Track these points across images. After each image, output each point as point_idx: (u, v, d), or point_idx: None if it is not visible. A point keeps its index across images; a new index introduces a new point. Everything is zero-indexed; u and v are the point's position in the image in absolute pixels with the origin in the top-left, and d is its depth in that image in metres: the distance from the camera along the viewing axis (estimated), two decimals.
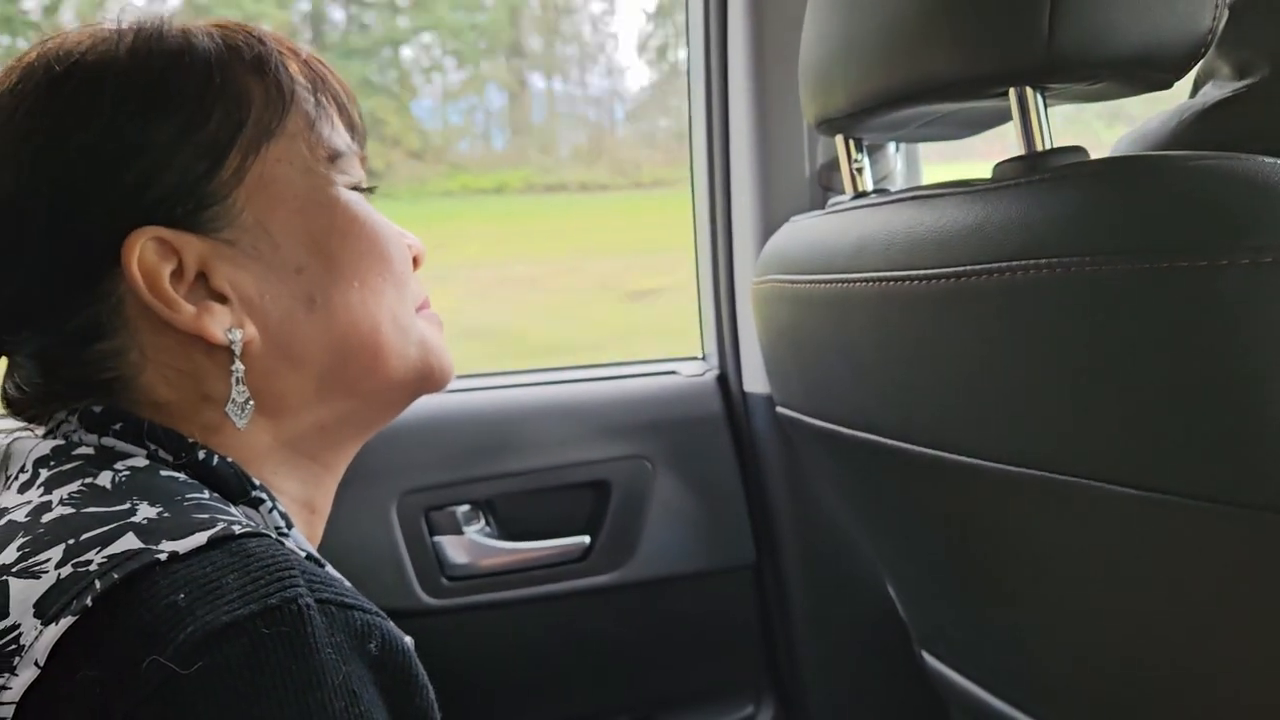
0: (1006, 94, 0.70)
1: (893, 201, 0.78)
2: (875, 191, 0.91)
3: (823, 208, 1.19)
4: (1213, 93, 0.80)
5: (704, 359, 1.39)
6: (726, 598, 1.32)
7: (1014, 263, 0.64)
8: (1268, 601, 0.63)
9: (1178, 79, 0.71)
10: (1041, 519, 0.72)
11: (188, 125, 0.56)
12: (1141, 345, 0.59)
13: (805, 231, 0.90)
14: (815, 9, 0.85)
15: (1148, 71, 0.67)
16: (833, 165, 1.20)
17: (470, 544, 1.23)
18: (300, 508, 0.64)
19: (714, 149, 1.27)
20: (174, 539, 0.46)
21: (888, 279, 0.74)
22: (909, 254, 0.72)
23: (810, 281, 0.84)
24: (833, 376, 0.85)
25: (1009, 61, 0.67)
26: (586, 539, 1.26)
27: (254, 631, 0.42)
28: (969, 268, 0.67)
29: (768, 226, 1.21)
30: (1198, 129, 0.78)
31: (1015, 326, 0.65)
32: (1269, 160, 0.57)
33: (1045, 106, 0.69)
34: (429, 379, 0.65)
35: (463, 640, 1.22)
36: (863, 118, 0.81)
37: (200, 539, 0.46)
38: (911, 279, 0.71)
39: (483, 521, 1.25)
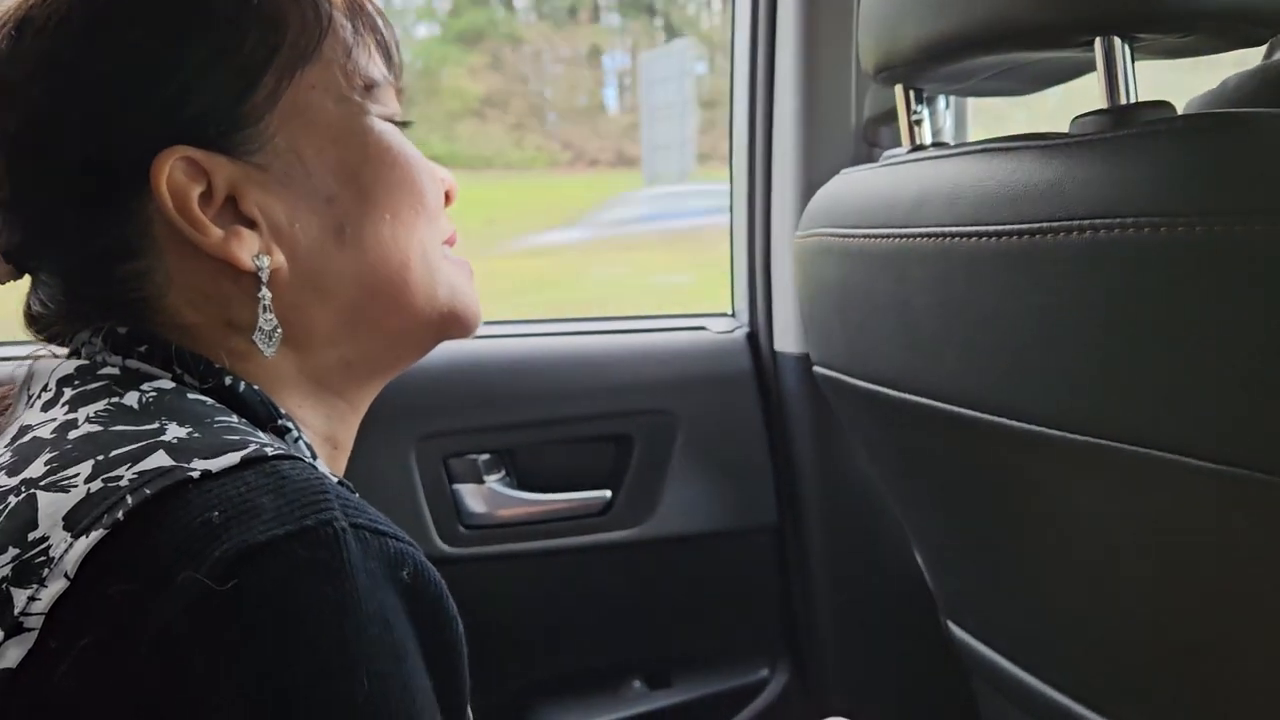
0: (1090, 44, 0.66)
1: (959, 154, 0.74)
2: (933, 145, 0.87)
3: (868, 163, 1.16)
4: None
5: (734, 315, 1.36)
6: (747, 559, 1.30)
7: (1096, 220, 0.60)
8: None
9: (1272, 35, 0.67)
10: (1098, 490, 0.69)
11: (223, 45, 0.55)
12: (1233, 312, 0.55)
13: (858, 184, 0.87)
14: None
15: (1246, 25, 0.64)
16: (879, 119, 1.16)
17: (489, 493, 1.20)
18: (323, 442, 0.63)
19: (756, 100, 1.23)
20: (206, 458, 0.46)
21: (952, 234, 0.70)
22: (977, 209, 0.69)
23: (864, 235, 0.81)
24: (882, 335, 0.82)
25: (1103, 7, 0.63)
26: (607, 493, 1.23)
27: (289, 553, 0.42)
28: (1045, 224, 0.63)
29: (810, 181, 1.17)
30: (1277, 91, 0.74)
31: (1093, 289, 0.61)
32: None
33: (1133, 59, 0.65)
34: (456, 322, 0.64)
35: (478, 590, 1.20)
36: (930, 66, 0.77)
37: (233, 458, 0.46)
38: (979, 235, 0.68)
39: (503, 471, 1.22)
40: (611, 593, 1.25)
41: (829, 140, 1.17)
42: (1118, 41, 0.65)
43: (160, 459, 0.46)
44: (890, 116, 1.16)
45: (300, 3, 0.58)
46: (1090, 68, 0.80)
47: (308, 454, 0.58)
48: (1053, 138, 0.68)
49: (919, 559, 1.16)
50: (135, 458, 0.46)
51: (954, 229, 0.70)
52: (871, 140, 1.16)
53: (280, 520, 0.42)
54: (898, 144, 1.16)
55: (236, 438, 0.48)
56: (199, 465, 0.45)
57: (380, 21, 0.62)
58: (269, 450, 0.47)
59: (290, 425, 0.57)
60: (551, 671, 1.25)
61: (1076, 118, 0.68)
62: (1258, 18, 0.63)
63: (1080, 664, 0.87)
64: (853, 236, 0.83)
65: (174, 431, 0.49)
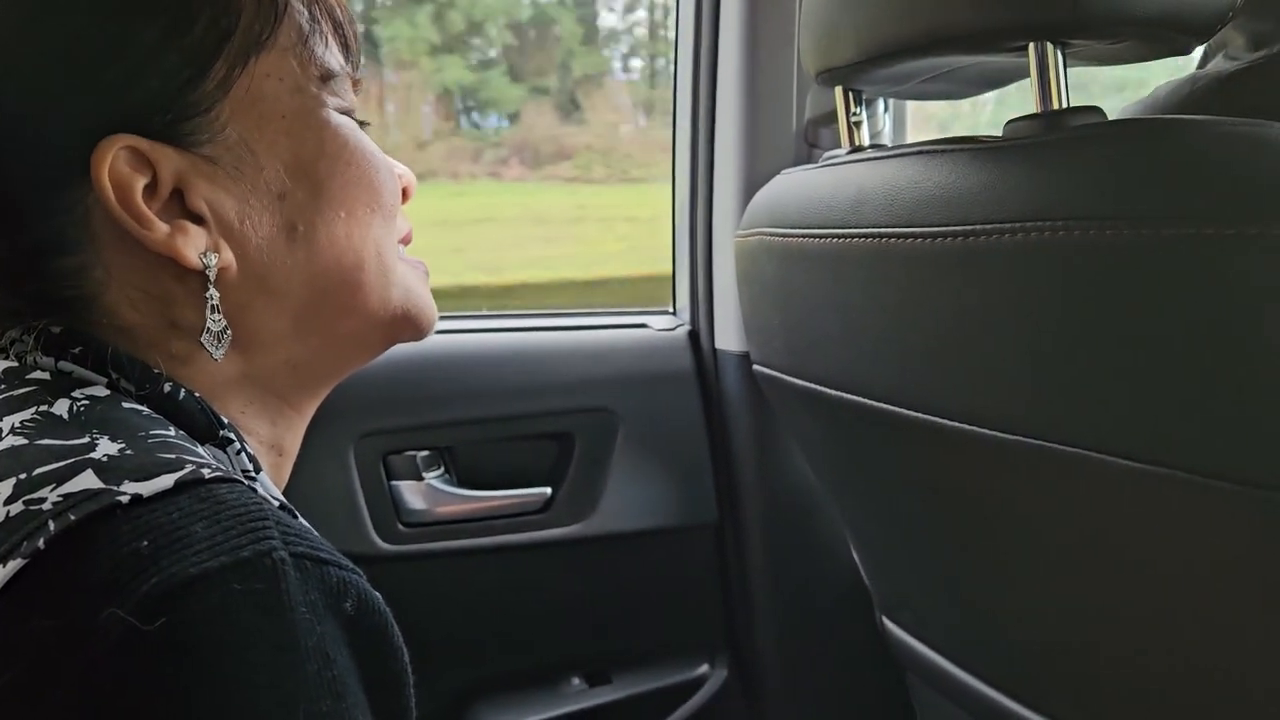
0: (1024, 49, 0.68)
1: (896, 156, 0.75)
2: (872, 147, 0.88)
3: (808, 163, 1.17)
4: (1224, 64, 0.78)
5: (675, 313, 1.37)
6: (686, 556, 1.31)
7: (1027, 223, 0.62)
8: (1256, 588, 0.62)
9: (1200, 44, 0.69)
10: (1032, 490, 0.71)
11: (171, 28, 0.52)
12: (1157, 314, 0.57)
13: (798, 184, 0.87)
14: None
15: (1172, 34, 0.65)
16: (820, 121, 1.17)
17: (429, 490, 1.19)
18: (268, 450, 0.61)
19: (699, 99, 1.23)
20: (137, 480, 0.43)
21: (889, 235, 0.71)
22: (913, 210, 0.69)
23: (803, 235, 0.81)
24: (821, 334, 0.83)
25: (1034, 14, 0.64)
26: (548, 491, 1.23)
27: (224, 586, 0.39)
28: (978, 227, 0.64)
29: (751, 180, 1.18)
30: (1211, 98, 0.76)
31: (1024, 289, 0.62)
32: None
33: (1065, 65, 0.67)
34: (410, 325, 0.62)
35: (416, 589, 1.19)
36: (869, 68, 0.78)
37: (167, 481, 0.43)
38: (915, 236, 0.69)
39: (442, 468, 1.21)
40: (552, 590, 1.25)
41: (770, 141, 1.18)
42: (1050, 47, 0.66)
43: (88, 480, 0.43)
44: (831, 118, 1.17)
45: None
46: (1017, 74, 0.81)
47: (250, 466, 0.55)
48: (987, 141, 0.69)
49: (856, 556, 1.18)
50: (61, 477, 0.43)
51: (891, 230, 0.71)
52: (812, 141, 1.17)
53: (214, 550, 0.40)
54: (838, 145, 1.17)
55: (172, 456, 0.46)
56: (129, 488, 0.42)
57: (338, 9, 0.60)
58: (205, 472, 0.44)
59: (233, 436, 0.55)
60: (491, 669, 1.24)
61: (1009, 122, 0.69)
62: (1185, 27, 0.65)
63: (1013, 660, 0.89)
64: (792, 236, 0.83)
65: (105, 448, 0.45)
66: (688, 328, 1.32)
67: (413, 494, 1.19)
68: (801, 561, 1.29)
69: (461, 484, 1.21)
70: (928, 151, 0.72)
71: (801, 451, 1.06)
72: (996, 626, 0.89)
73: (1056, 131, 0.65)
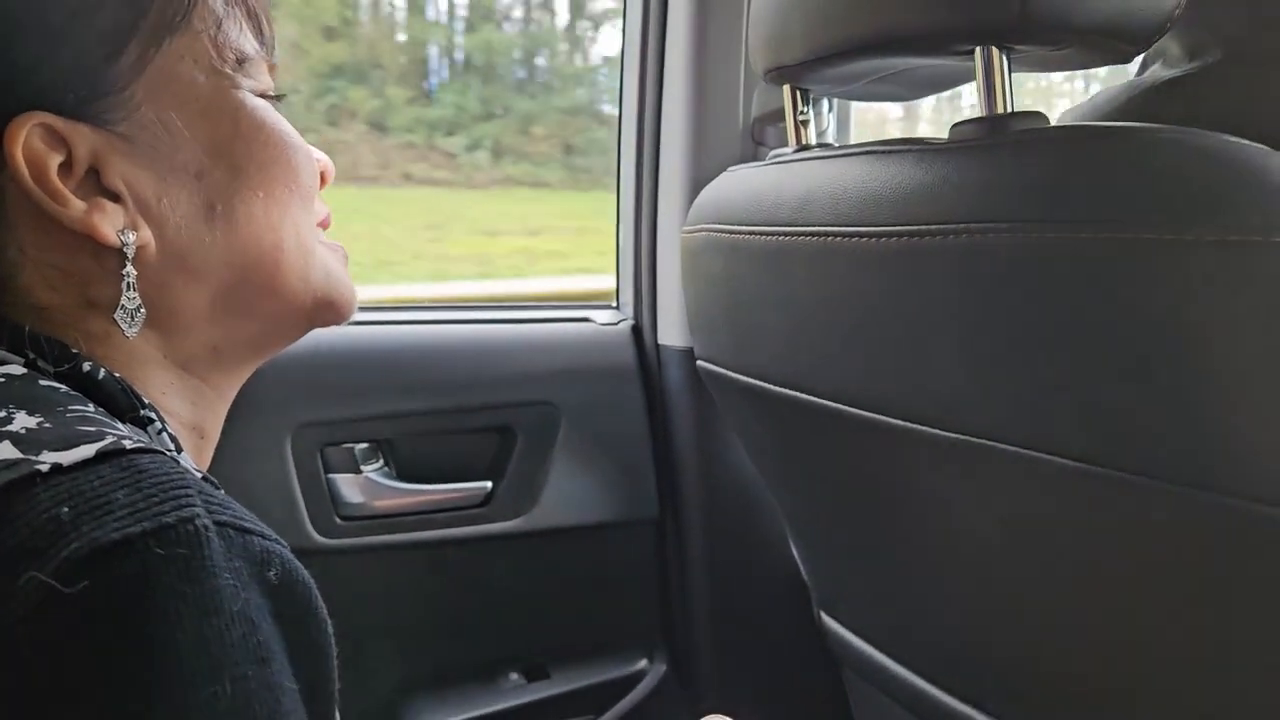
0: (970, 53, 0.69)
1: (843, 155, 0.75)
2: (818, 146, 0.89)
3: (754, 161, 1.17)
4: (1162, 72, 0.80)
5: (618, 308, 1.36)
6: (627, 551, 1.31)
7: (971, 224, 0.62)
8: (1187, 586, 0.63)
9: (1140, 52, 0.70)
10: (970, 486, 0.72)
11: (85, 7, 0.52)
12: (1097, 316, 0.58)
13: (744, 181, 0.88)
14: None
15: (1114, 42, 0.67)
16: (766, 119, 1.18)
17: (367, 483, 1.18)
18: (189, 431, 0.60)
19: (645, 95, 1.23)
20: (56, 450, 0.43)
21: (835, 234, 0.72)
22: (859, 209, 0.70)
23: (749, 232, 0.82)
24: (765, 331, 0.83)
25: (981, 19, 0.65)
26: (488, 485, 1.22)
27: (146, 551, 0.39)
28: (923, 227, 0.65)
29: (697, 177, 1.18)
30: (1149, 105, 0.78)
31: (967, 290, 0.63)
32: (1236, 140, 0.56)
33: (1010, 69, 0.68)
34: (330, 308, 0.62)
35: (353, 583, 1.17)
36: (817, 68, 0.79)
37: (87, 451, 0.43)
38: (860, 235, 0.69)
39: (381, 461, 1.20)
40: (491, 585, 1.24)
41: (717, 137, 1.18)
42: (995, 52, 0.67)
43: (5, 450, 0.43)
44: (777, 116, 1.17)
45: None
46: (963, 77, 0.83)
47: (171, 446, 0.55)
48: (933, 143, 0.70)
49: (795, 552, 1.18)
50: None
51: (837, 229, 0.72)
52: (758, 139, 1.18)
53: (136, 517, 0.40)
54: (784, 143, 1.18)
55: (92, 429, 0.45)
56: (48, 458, 0.42)
57: None
58: (127, 443, 0.44)
59: (153, 415, 0.54)
60: (428, 665, 1.23)
61: (955, 125, 0.70)
62: (1125, 36, 0.66)
63: (950, 657, 0.90)
64: (739, 233, 0.84)
65: (22, 421, 0.45)
66: (630, 322, 1.32)
67: (350, 487, 1.17)
68: (741, 557, 1.29)
69: (401, 477, 1.20)
70: (874, 152, 0.72)
71: (744, 447, 1.07)
72: (933, 624, 0.90)
73: (1000, 135, 0.66)
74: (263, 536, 0.43)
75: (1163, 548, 0.62)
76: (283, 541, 0.44)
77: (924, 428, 0.71)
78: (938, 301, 0.66)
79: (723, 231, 0.87)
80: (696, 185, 1.18)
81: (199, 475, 0.46)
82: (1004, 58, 0.67)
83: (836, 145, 0.88)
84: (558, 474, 1.24)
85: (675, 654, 1.33)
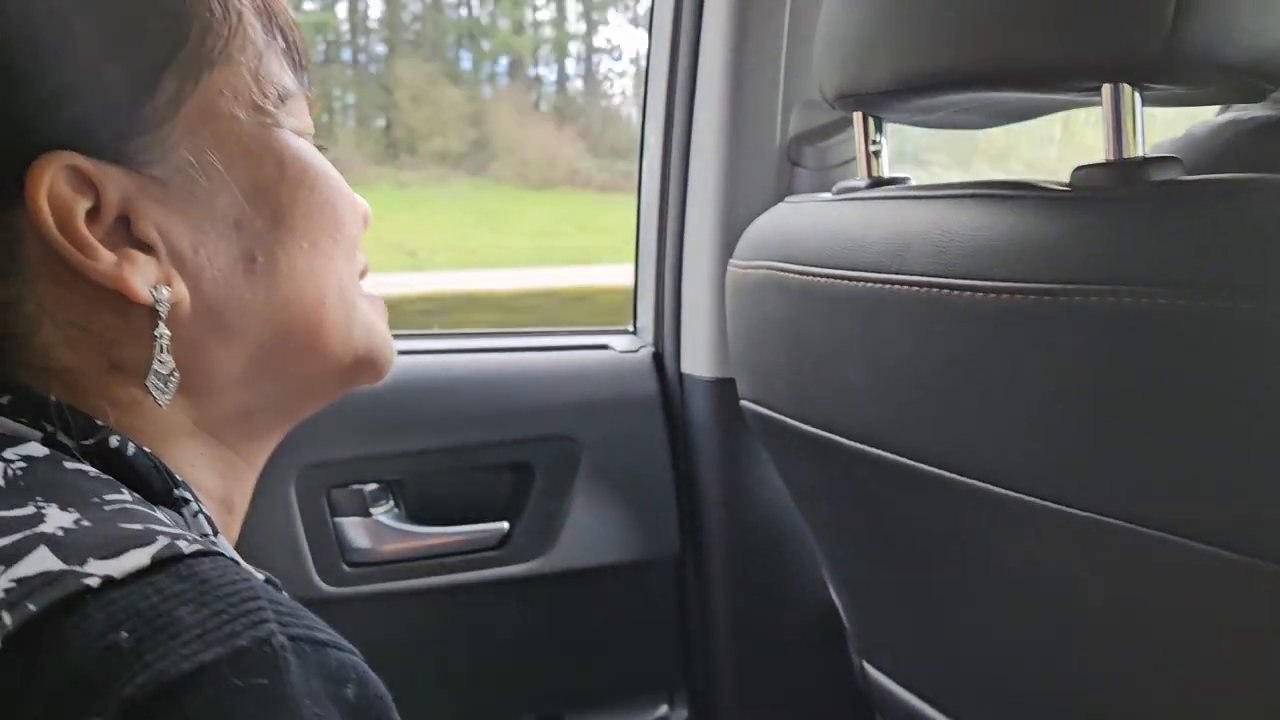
0: (1095, 89, 0.62)
1: (945, 196, 0.69)
2: (889, 181, 0.82)
3: (789, 183, 1.11)
4: (1264, 110, 0.74)
5: (635, 333, 1.29)
6: (647, 592, 1.24)
7: (1105, 287, 0.56)
8: (1251, 654, 0.58)
9: (1275, 89, 0.64)
10: (1062, 556, 0.66)
11: (119, 37, 0.47)
12: (1253, 394, 0.52)
13: (813, 217, 0.81)
14: None
15: (1254, 80, 0.61)
16: (804, 139, 1.11)
17: (376, 527, 1.09)
18: (219, 506, 0.55)
19: (674, 109, 1.16)
20: (104, 557, 0.37)
21: (940, 285, 0.65)
22: (972, 260, 0.64)
23: (828, 276, 0.75)
24: (842, 383, 0.76)
25: (1121, 54, 0.59)
26: (505, 525, 1.14)
27: (221, 682, 0.35)
28: (1052, 286, 0.59)
29: (730, 199, 1.11)
30: (1257, 146, 0.72)
31: (1100, 357, 0.57)
32: None
33: (1142, 109, 0.62)
34: (370, 367, 0.57)
35: (363, 633, 1.08)
36: (906, 97, 0.72)
37: (140, 558, 0.38)
38: (973, 289, 0.63)
39: (391, 502, 1.12)
40: (506, 630, 1.17)
41: (751, 157, 1.11)
42: (1129, 90, 0.61)
43: (44, 559, 0.37)
44: (815, 136, 1.11)
45: None
46: (1062, 106, 0.76)
47: (209, 529, 0.50)
48: (1052, 189, 0.63)
49: (835, 597, 1.12)
50: (10, 557, 0.37)
51: (943, 280, 0.65)
52: (795, 159, 1.11)
53: (206, 640, 0.35)
54: (821, 163, 1.12)
55: (138, 527, 0.40)
56: (96, 569, 0.36)
57: (291, 28, 0.55)
58: (183, 545, 0.39)
59: (189, 496, 0.49)
60: (441, 716, 1.15)
61: (1078, 169, 0.63)
62: (1267, 73, 0.60)
63: (1003, 714, 0.85)
64: (812, 275, 0.77)
65: (57, 520, 0.39)
66: (651, 349, 1.25)
67: (359, 531, 1.09)
68: (767, 599, 1.23)
69: (412, 519, 1.12)
70: (985, 195, 0.66)
71: (791, 493, 1.00)
72: (986, 678, 0.85)
73: (1134, 185, 0.60)
74: (337, 648, 0.39)
75: (1247, 625, 0.57)
76: (355, 650, 0.40)
77: (1017, 494, 0.65)
78: (1065, 368, 0.59)
79: (790, 271, 0.80)
80: (729, 207, 1.11)
81: (262, 578, 0.42)
82: (1137, 96, 0.61)
83: (920, 183, 0.81)
84: (577, 512, 1.17)
85: (696, 699, 1.26)
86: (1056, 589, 0.68)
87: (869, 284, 0.71)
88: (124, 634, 0.35)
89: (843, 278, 0.73)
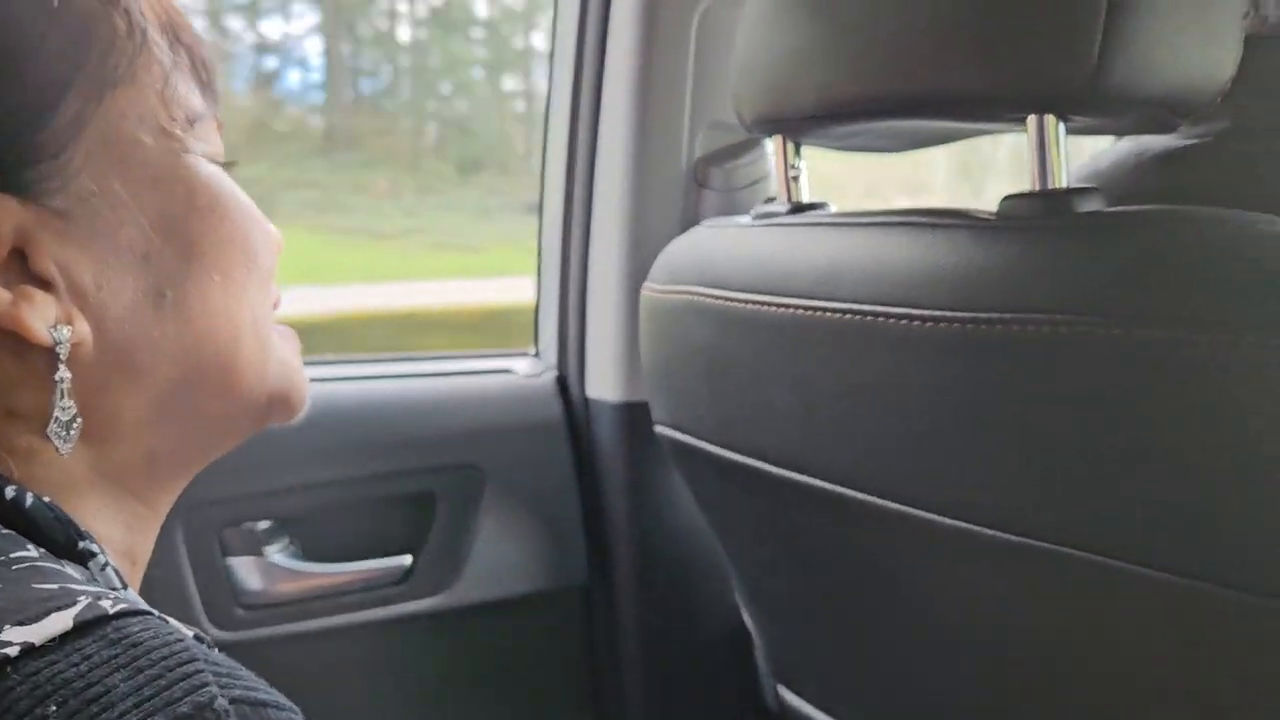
0: (1022, 119, 0.63)
1: (873, 224, 0.69)
2: (810, 206, 0.82)
3: (696, 205, 1.10)
4: (1165, 140, 0.77)
5: (538, 356, 1.26)
6: (555, 622, 1.21)
7: (1038, 315, 0.57)
8: (1188, 680, 0.60)
9: (1186, 122, 0.67)
10: (978, 575, 0.67)
11: (14, 54, 0.43)
12: (1183, 420, 0.53)
13: (735, 242, 0.80)
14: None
15: (1169, 113, 0.63)
16: (711, 160, 1.10)
17: (270, 567, 1.04)
18: (122, 559, 0.51)
19: (578, 131, 1.14)
20: (20, 622, 0.35)
21: (874, 313, 0.65)
22: (904, 288, 0.63)
23: (754, 302, 0.74)
24: (770, 410, 0.76)
25: (1048, 87, 0.59)
26: (407, 559, 1.10)
27: None
28: (987, 315, 0.59)
29: (636, 220, 1.10)
30: (1162, 173, 0.75)
31: (1039, 384, 0.57)
32: None
33: (1065, 139, 0.63)
34: (284, 405, 0.54)
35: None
36: (829, 122, 0.72)
37: (62, 621, 0.35)
38: (908, 318, 0.63)
39: (285, 540, 1.06)
40: (410, 668, 1.12)
41: (658, 178, 1.10)
42: (1053, 120, 0.62)
43: None
44: (721, 157, 1.10)
45: (111, 11, 0.46)
46: (981, 132, 0.78)
47: (118, 583, 0.46)
48: (982, 217, 0.64)
49: (749, 620, 1.12)
50: None
51: (876, 308, 0.65)
52: (701, 181, 1.10)
53: (144, 709, 0.33)
54: (728, 185, 1.11)
55: (53, 586, 0.38)
56: (14, 636, 0.34)
57: (199, 46, 0.51)
58: (107, 604, 0.36)
59: (95, 548, 0.45)
60: None
61: (1006, 198, 0.64)
62: (1182, 106, 0.62)
63: None
64: (736, 301, 0.76)
65: None
66: (555, 373, 1.22)
67: (251, 572, 1.03)
68: (677, 622, 1.22)
69: (308, 557, 1.07)
70: (915, 224, 0.66)
71: (709, 520, 0.99)
72: (910, 701, 0.86)
73: (1062, 215, 0.61)
74: (278, 708, 0.37)
75: (1164, 639, 0.59)
76: (295, 709, 0.38)
77: (947, 519, 0.65)
78: (998, 394, 0.60)
79: (712, 297, 0.79)
80: (636, 228, 1.10)
81: (191, 634, 0.39)
82: (1061, 127, 0.62)
83: (832, 207, 0.81)
84: (483, 543, 1.14)
85: None
86: (985, 614, 0.69)
87: (798, 310, 0.70)
88: (53, 708, 0.33)
89: (770, 304, 0.72)
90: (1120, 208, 0.61)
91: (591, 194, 1.15)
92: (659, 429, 0.95)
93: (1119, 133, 0.69)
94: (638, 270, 1.06)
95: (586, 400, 1.20)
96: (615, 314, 1.12)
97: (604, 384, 1.17)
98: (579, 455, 1.20)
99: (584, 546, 1.20)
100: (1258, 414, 0.51)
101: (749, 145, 1.10)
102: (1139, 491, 0.56)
